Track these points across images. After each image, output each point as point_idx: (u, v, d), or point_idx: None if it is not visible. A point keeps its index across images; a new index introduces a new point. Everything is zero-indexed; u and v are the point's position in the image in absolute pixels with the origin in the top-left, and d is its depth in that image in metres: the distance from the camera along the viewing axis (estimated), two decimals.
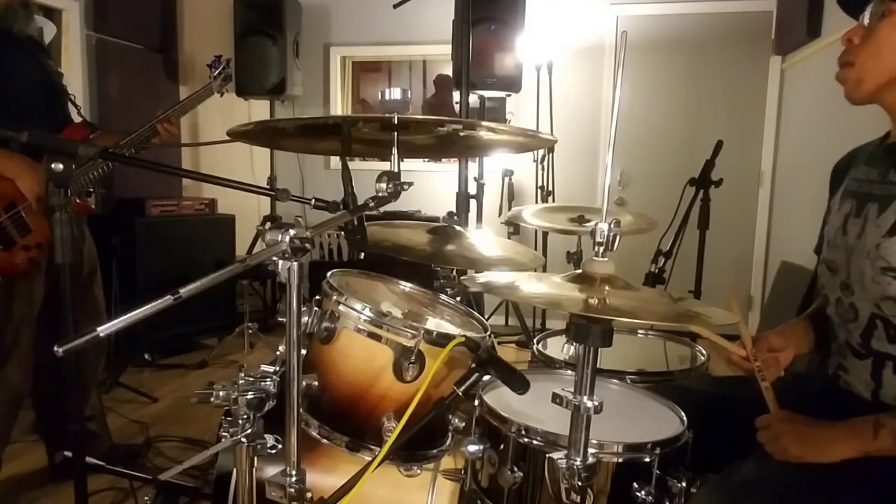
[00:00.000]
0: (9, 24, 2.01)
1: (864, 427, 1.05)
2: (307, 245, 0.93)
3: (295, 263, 0.94)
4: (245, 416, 1.01)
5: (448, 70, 4.75)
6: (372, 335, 1.24)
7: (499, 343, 3.88)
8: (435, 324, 1.43)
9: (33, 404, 2.30)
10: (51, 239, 1.97)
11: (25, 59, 2.07)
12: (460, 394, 1.12)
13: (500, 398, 1.23)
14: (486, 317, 3.62)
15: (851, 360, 1.23)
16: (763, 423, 1.15)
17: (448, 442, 1.34)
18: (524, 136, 1.58)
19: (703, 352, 1.79)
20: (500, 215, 4.31)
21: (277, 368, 1.05)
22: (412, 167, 3.60)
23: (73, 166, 1.29)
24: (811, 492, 1.03)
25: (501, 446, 1.15)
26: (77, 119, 2.25)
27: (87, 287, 2.24)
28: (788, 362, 1.33)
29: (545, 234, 4.18)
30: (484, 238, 1.86)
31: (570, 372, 1.47)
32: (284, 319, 0.98)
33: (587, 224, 2.33)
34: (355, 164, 1.52)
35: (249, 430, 1.01)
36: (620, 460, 1.09)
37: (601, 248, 0.95)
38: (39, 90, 2.09)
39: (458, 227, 1.81)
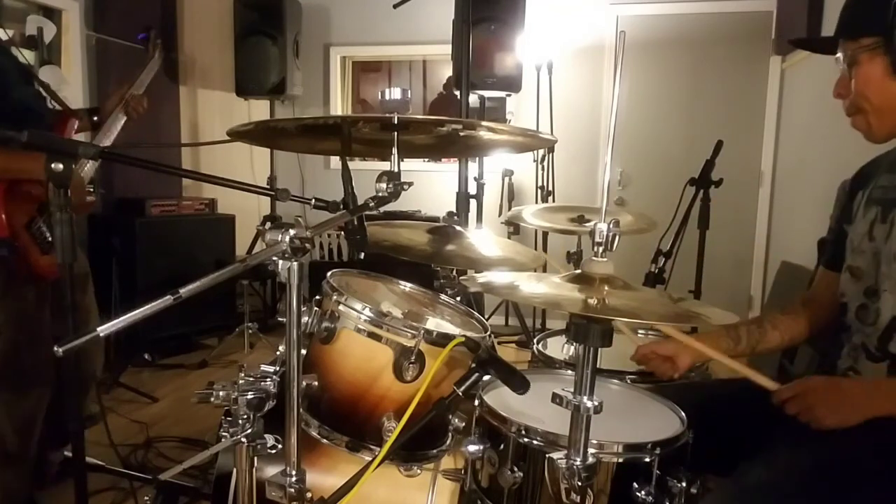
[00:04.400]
0: None
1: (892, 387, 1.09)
2: (307, 245, 0.93)
3: (295, 263, 0.94)
4: (245, 416, 1.00)
5: (448, 70, 4.75)
6: (372, 335, 1.24)
7: (499, 343, 3.88)
8: (435, 324, 1.43)
9: None
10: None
11: (5, 56, 2.05)
12: (460, 394, 1.12)
13: (500, 398, 1.23)
14: (486, 317, 3.62)
15: (865, 363, 1.23)
16: (786, 394, 1.17)
17: (448, 442, 1.34)
18: (524, 136, 1.58)
19: None
20: (500, 215, 4.31)
21: (277, 368, 1.05)
22: (412, 167, 3.59)
23: (73, 166, 1.29)
24: (822, 492, 1.03)
25: (501, 446, 1.14)
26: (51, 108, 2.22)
27: (79, 294, 2.20)
28: (686, 367, 1.40)
29: (545, 234, 4.18)
30: (484, 238, 1.86)
31: (570, 372, 1.47)
32: (284, 319, 0.98)
33: (587, 224, 2.32)
34: (355, 164, 1.52)
35: (249, 430, 1.01)
36: (620, 460, 1.09)
37: (600, 249, 0.95)
38: (27, 86, 2.08)
39: (458, 227, 1.81)
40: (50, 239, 1.91)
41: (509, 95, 4.27)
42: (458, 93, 2.57)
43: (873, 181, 1.31)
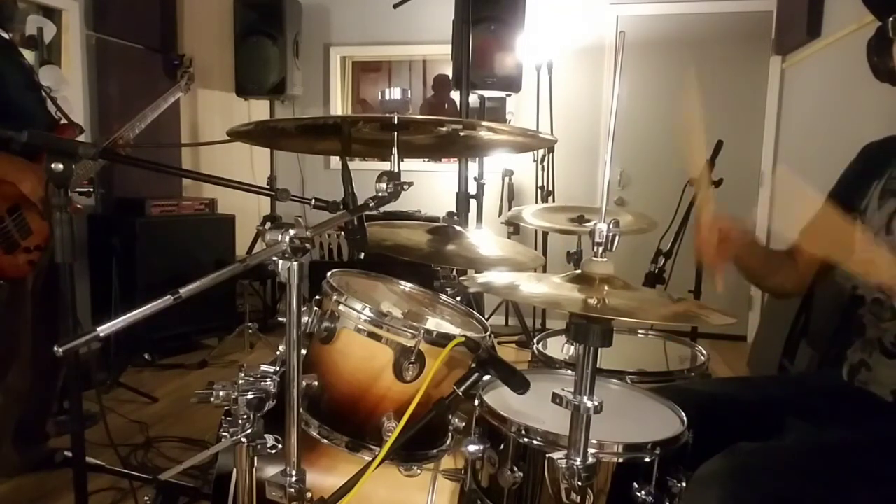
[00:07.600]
0: None
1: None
2: (307, 245, 0.93)
3: (295, 263, 0.94)
4: (245, 416, 1.00)
5: (448, 70, 4.75)
6: (372, 335, 1.24)
7: (499, 343, 3.88)
8: (435, 324, 1.43)
9: None
10: (49, 240, 1.98)
11: (7, 60, 2.07)
12: (460, 394, 1.13)
13: (500, 398, 1.23)
14: (486, 317, 3.62)
15: (879, 357, 1.21)
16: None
17: (448, 442, 1.34)
18: (524, 136, 1.58)
19: (703, 352, 1.79)
20: (500, 215, 4.31)
21: (277, 368, 1.05)
22: (412, 167, 3.59)
23: (73, 166, 1.30)
24: (816, 489, 1.03)
25: (501, 446, 1.14)
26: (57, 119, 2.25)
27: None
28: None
29: (545, 234, 4.18)
30: (484, 238, 1.86)
31: (570, 372, 1.47)
32: (284, 319, 0.98)
33: (587, 224, 2.33)
34: (355, 164, 1.52)
35: (249, 430, 1.01)
36: (620, 460, 1.09)
37: (600, 249, 0.95)
38: (28, 90, 2.09)
39: (458, 227, 1.81)
40: (17, 240, 1.93)
41: (509, 95, 4.27)
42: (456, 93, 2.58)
43: (888, 170, 1.25)
